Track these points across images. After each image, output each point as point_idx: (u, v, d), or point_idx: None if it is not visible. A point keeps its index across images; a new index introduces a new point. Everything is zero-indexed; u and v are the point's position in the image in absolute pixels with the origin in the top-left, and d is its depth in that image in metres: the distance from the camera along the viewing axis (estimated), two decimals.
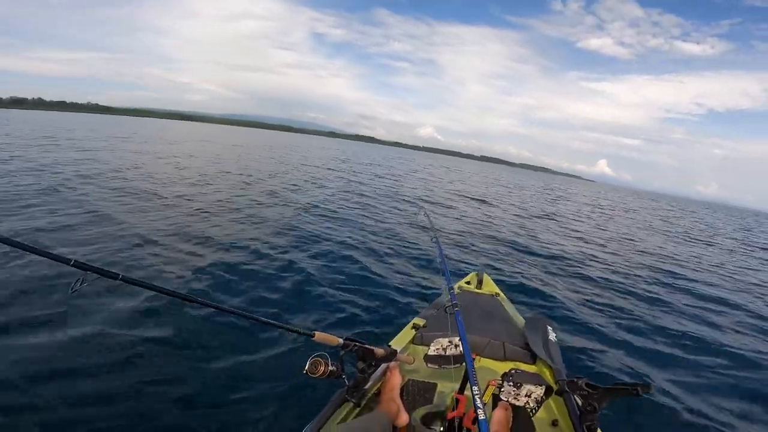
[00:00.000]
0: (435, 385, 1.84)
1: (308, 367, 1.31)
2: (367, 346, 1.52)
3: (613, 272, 6.75)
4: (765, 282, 8.19)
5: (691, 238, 14.14)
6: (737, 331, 4.82)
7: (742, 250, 13.18)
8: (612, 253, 8.64)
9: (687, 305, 5.49)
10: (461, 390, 1.58)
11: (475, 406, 1.12)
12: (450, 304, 1.76)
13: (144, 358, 2.62)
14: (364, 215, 8.66)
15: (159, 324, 3.03)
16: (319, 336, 1.36)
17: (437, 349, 1.67)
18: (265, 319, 1.32)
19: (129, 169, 10.78)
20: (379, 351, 1.58)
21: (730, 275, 8.27)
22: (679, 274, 7.45)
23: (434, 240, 2.59)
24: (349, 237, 6.45)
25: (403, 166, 33.70)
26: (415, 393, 1.79)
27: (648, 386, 1.40)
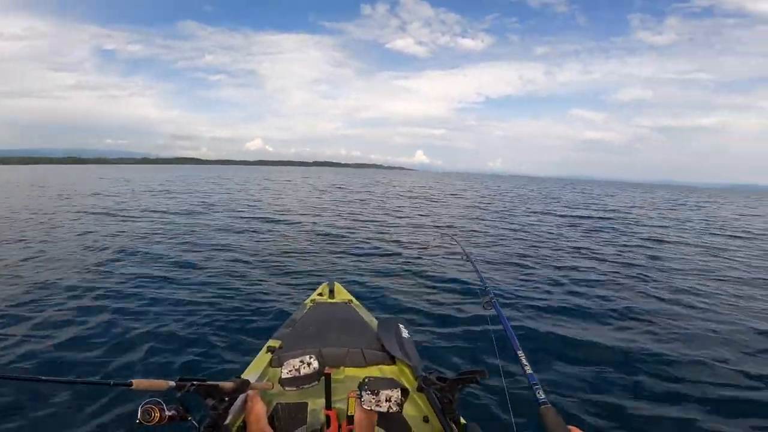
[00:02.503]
0: (306, 404, 1.78)
1: (140, 416, 1.17)
2: (209, 382, 1.40)
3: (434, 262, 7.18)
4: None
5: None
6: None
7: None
8: (435, 239, 9.61)
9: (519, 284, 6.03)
10: (328, 405, 1.59)
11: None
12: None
13: None
14: (186, 241, 8.05)
15: None
16: (140, 383, 1.15)
17: (290, 370, 1.61)
18: (65, 379, 1.22)
19: None
20: (227, 385, 1.46)
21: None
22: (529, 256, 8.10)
23: (464, 258, 2.64)
24: (170, 267, 6.05)
25: (211, 186, 29.17)
26: (287, 416, 1.72)
27: (484, 372, 1.48)
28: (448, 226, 12.03)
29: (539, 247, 9.19)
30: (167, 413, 1.21)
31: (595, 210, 19.63)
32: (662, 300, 5.54)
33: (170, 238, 8.70)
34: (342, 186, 33.09)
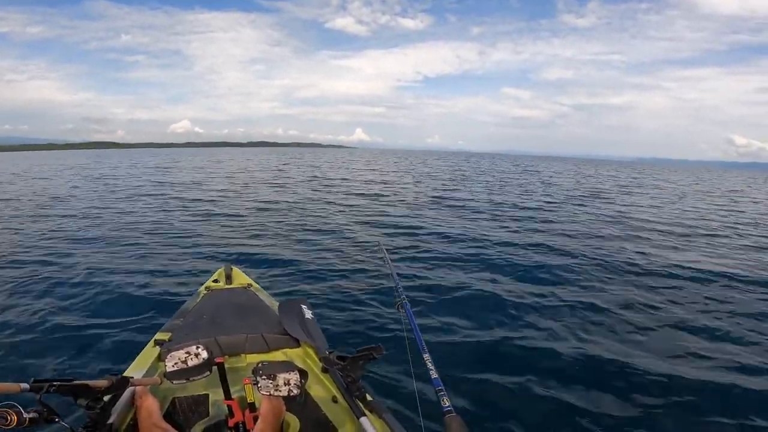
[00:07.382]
0: (207, 396, 1.73)
1: None
2: (76, 382, 1.30)
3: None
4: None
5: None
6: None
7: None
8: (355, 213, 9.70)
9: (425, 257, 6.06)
10: (227, 395, 1.53)
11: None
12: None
13: None
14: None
15: None
16: None
17: (175, 363, 1.50)
18: None
19: None
20: (101, 383, 1.37)
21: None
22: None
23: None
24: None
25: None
26: (187, 410, 1.70)
27: (380, 348, 1.54)
28: (363, 214, 10.47)
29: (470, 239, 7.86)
30: (26, 416, 1.12)
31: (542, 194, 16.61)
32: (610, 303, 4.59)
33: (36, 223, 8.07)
34: (260, 166, 29.87)
